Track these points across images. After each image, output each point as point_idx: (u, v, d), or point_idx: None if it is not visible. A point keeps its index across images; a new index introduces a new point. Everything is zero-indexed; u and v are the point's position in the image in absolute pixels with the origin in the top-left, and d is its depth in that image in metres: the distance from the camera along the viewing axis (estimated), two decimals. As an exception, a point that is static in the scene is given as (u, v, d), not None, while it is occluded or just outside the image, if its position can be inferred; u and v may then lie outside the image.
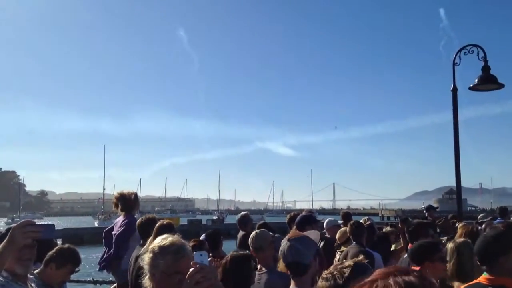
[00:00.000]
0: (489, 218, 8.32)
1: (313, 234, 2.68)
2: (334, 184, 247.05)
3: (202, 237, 5.31)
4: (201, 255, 1.91)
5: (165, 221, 4.20)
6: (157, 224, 4.09)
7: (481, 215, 8.95)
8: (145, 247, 3.96)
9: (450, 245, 3.50)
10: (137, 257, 3.74)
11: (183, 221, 46.27)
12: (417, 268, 3.24)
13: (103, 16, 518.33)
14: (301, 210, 6.37)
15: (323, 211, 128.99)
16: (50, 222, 3.67)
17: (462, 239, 3.33)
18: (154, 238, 3.79)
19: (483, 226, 5.74)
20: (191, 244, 4.62)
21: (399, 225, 7.74)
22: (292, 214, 6.42)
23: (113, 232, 5.68)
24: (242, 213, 7.28)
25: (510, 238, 2.48)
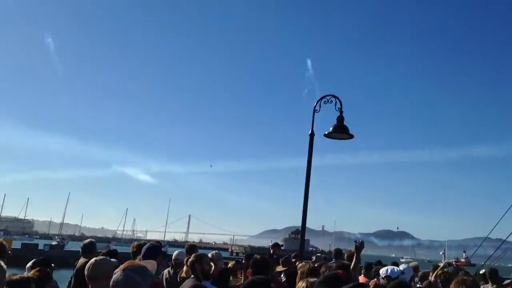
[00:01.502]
0: (323, 257, 9.16)
1: (150, 265, 2.60)
2: (190, 216, 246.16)
3: (29, 265, 4.73)
4: None
5: None
6: None
7: (315, 255, 9.85)
8: None
9: (302, 284, 3.51)
10: None
11: (17, 244, 41.56)
12: None
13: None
14: (149, 241, 6.14)
15: (175, 243, 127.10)
16: None
17: (313, 279, 3.44)
18: None
19: (316, 265, 6.26)
20: (32, 274, 4.06)
21: (243, 261, 8.03)
22: (138, 243, 6.14)
23: None
24: (89, 239, 6.70)
25: (331, 283, 2.63)
